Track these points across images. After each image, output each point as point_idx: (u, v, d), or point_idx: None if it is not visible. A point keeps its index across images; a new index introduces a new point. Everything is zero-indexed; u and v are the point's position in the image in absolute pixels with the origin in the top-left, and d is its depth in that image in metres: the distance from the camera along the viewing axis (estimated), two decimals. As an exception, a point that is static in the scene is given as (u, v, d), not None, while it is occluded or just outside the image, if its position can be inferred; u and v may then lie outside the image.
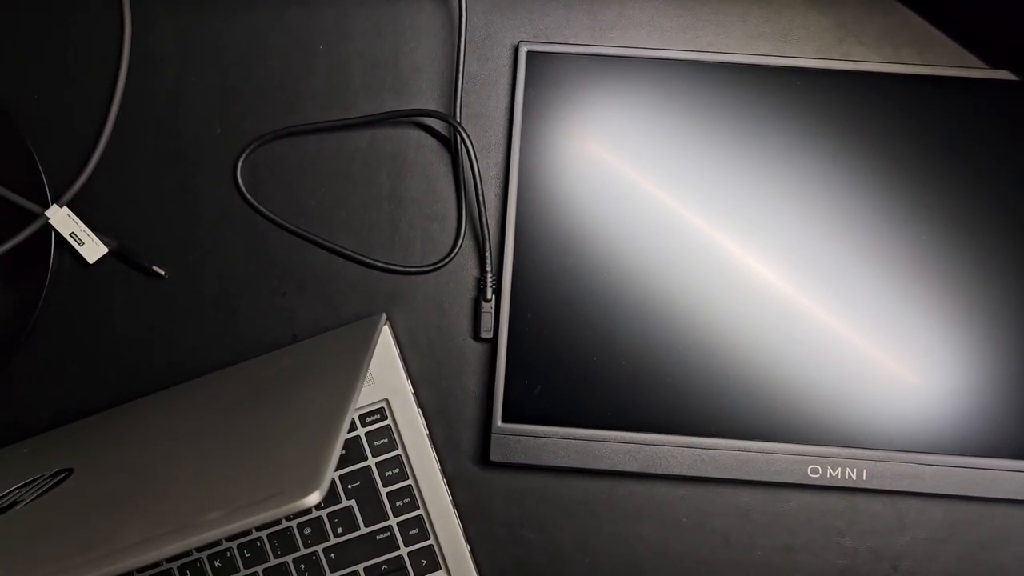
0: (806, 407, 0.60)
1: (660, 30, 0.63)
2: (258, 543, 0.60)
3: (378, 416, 0.61)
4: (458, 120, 0.62)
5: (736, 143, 0.61)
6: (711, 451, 0.59)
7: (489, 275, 0.61)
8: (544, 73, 0.61)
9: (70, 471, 0.52)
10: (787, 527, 0.61)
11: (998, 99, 0.60)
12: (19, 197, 0.61)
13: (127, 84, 0.63)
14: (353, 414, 0.60)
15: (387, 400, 0.61)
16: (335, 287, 0.63)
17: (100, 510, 0.45)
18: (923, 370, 0.60)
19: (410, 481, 0.61)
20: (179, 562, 0.60)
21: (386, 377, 0.61)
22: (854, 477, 0.59)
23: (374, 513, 0.60)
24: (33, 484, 0.53)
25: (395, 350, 0.62)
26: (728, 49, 0.63)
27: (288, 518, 0.59)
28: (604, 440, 0.60)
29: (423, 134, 0.63)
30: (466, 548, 0.61)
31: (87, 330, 0.63)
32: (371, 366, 0.61)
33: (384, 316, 0.62)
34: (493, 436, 0.60)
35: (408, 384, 0.62)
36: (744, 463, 0.59)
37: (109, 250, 0.63)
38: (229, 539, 0.60)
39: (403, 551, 0.60)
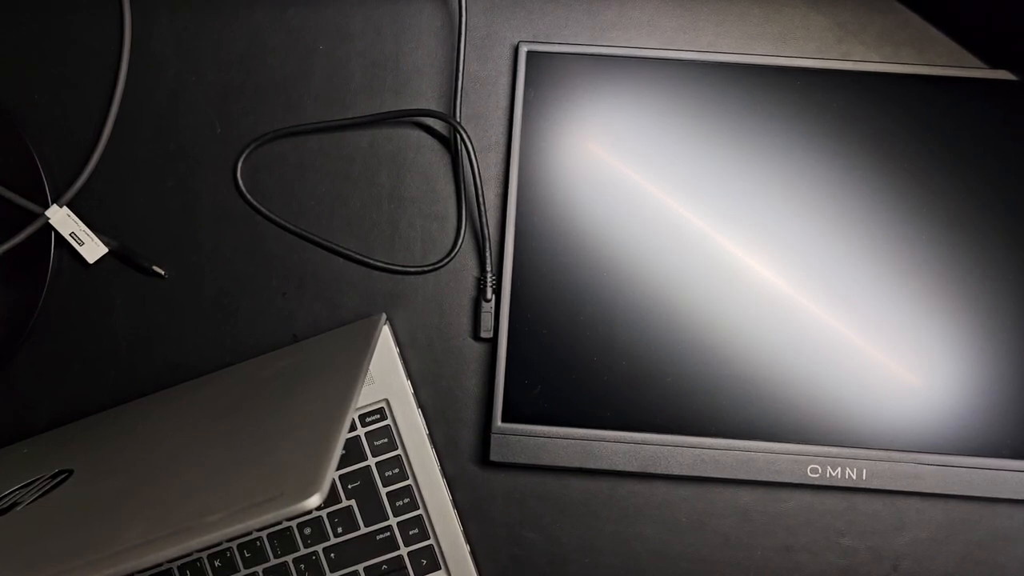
0: (806, 407, 0.60)
1: (660, 30, 0.63)
2: (258, 543, 0.60)
3: (378, 416, 0.61)
4: (458, 120, 0.62)
5: (736, 143, 0.61)
6: (711, 451, 0.59)
7: (489, 275, 0.61)
8: (544, 73, 0.61)
9: (70, 472, 0.52)
10: (787, 527, 0.61)
11: (998, 99, 0.60)
12: (19, 197, 0.61)
13: (127, 84, 0.63)
14: (353, 414, 0.60)
15: (387, 400, 0.61)
16: (335, 287, 0.63)
17: (100, 511, 0.45)
18: (923, 370, 0.60)
19: (410, 481, 0.61)
20: (179, 562, 0.60)
21: (386, 377, 0.61)
22: (854, 477, 0.59)
23: (374, 513, 0.60)
24: (33, 485, 0.53)
25: (395, 350, 0.62)
26: (728, 49, 0.63)
27: (288, 518, 0.59)
28: (604, 440, 0.60)
29: (423, 134, 0.63)
30: (466, 548, 0.61)
31: (87, 330, 0.63)
32: (371, 366, 0.61)
33: (384, 316, 0.62)
34: (493, 436, 0.60)
35: (408, 384, 0.62)
36: (744, 463, 0.59)
37: (109, 250, 0.63)
38: (229, 539, 0.60)
39: (403, 551, 0.60)
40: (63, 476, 0.52)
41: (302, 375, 0.55)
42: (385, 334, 0.62)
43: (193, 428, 0.53)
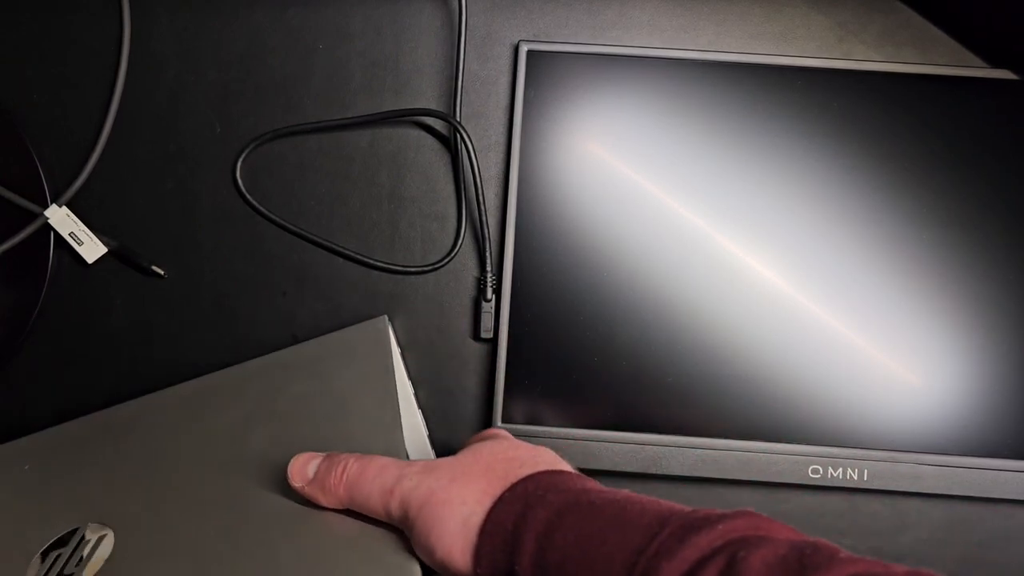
0: (806, 407, 0.59)
1: (660, 29, 0.63)
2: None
3: (378, 416, 0.61)
4: (458, 120, 0.62)
5: (736, 142, 0.61)
6: (711, 451, 0.59)
7: (489, 275, 0.61)
8: (544, 73, 0.61)
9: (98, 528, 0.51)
10: (787, 527, 0.61)
11: (999, 98, 0.60)
12: (19, 197, 0.61)
13: (127, 84, 0.63)
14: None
15: (387, 400, 0.61)
16: (335, 287, 0.63)
17: None
18: (923, 370, 0.59)
19: (410, 481, 0.60)
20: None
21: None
22: (855, 477, 0.59)
23: (374, 513, 0.60)
24: (71, 544, 0.51)
25: (397, 351, 0.61)
26: (728, 48, 0.63)
27: None
28: (604, 440, 0.60)
29: (423, 134, 0.63)
30: (466, 548, 0.60)
31: (86, 330, 0.63)
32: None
33: (386, 318, 0.61)
34: (493, 436, 0.60)
35: (409, 384, 0.61)
36: (744, 463, 0.59)
37: (108, 250, 0.63)
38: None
39: (403, 551, 0.60)
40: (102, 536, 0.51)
41: (331, 411, 0.54)
42: (389, 336, 0.61)
43: (237, 497, 0.52)
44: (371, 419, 0.53)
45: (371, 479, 0.45)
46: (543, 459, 0.46)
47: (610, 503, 0.41)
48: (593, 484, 0.43)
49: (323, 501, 0.47)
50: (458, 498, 0.43)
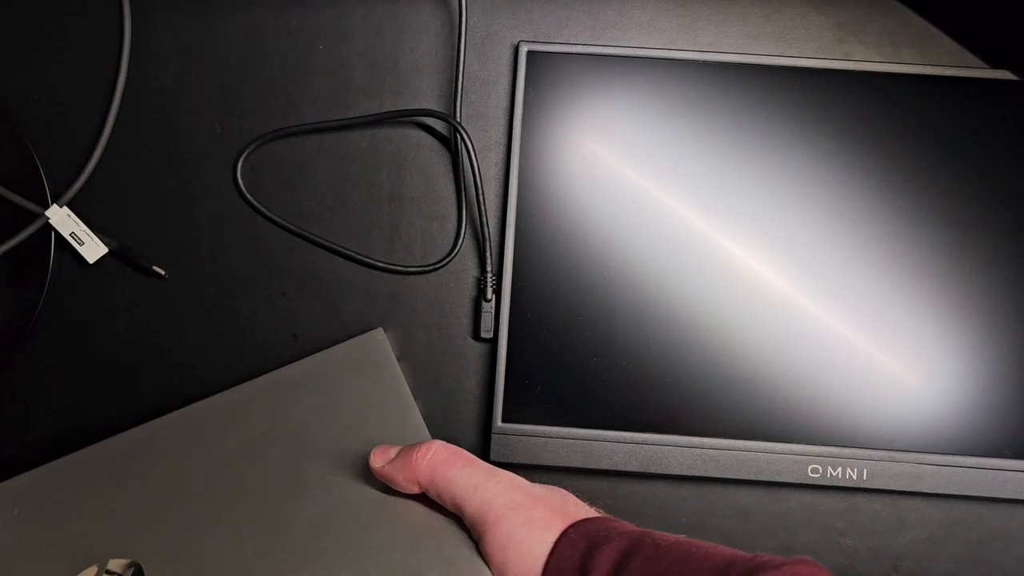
0: (806, 407, 0.60)
1: (660, 30, 0.63)
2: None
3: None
4: (458, 120, 0.62)
5: (736, 143, 0.61)
6: (711, 451, 0.59)
7: (489, 275, 0.61)
8: (544, 73, 0.61)
9: (136, 566, 0.50)
10: (787, 527, 0.61)
11: (998, 99, 0.60)
12: (19, 197, 0.61)
13: (127, 84, 0.63)
14: None
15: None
16: (335, 287, 0.63)
17: None
18: (923, 370, 0.60)
19: (410, 481, 0.60)
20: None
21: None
22: (854, 477, 0.59)
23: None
24: None
25: (393, 359, 0.60)
26: (728, 49, 0.63)
27: None
28: (604, 440, 0.60)
29: (423, 134, 0.63)
30: (466, 548, 0.61)
31: (87, 330, 0.63)
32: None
33: (381, 330, 0.60)
34: (493, 436, 0.60)
35: (409, 394, 0.61)
36: (744, 463, 0.59)
37: (109, 250, 0.63)
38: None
39: (404, 552, 0.60)
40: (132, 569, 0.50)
41: (355, 433, 0.54)
42: (387, 348, 0.60)
43: (275, 522, 0.51)
44: (395, 429, 0.53)
45: (460, 466, 0.47)
46: (597, 510, 0.49)
47: (673, 545, 0.43)
48: (648, 529, 0.46)
49: (400, 481, 0.48)
50: (542, 521, 0.45)
